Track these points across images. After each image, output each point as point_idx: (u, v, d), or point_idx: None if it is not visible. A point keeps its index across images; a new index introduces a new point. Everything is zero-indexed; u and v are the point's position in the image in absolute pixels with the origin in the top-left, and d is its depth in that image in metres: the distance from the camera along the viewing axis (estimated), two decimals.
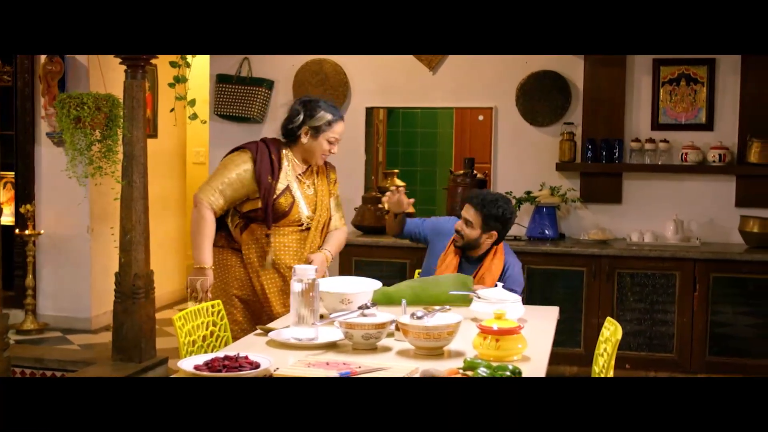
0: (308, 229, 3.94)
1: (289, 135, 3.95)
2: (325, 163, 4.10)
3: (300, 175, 3.96)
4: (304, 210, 3.91)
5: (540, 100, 6.21)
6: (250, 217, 3.91)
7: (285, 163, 3.91)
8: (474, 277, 4.05)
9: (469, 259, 4.18)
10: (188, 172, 8.28)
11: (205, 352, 3.51)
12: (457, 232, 4.13)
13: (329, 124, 3.91)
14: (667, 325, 5.64)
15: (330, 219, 4.06)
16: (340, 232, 4.15)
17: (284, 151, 3.95)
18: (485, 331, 2.94)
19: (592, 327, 5.69)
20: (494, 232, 4.09)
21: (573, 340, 5.70)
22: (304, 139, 3.91)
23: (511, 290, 3.81)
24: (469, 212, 4.10)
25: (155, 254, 6.20)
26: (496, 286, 3.70)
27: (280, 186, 3.87)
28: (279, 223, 3.88)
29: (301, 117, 3.90)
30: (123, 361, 5.63)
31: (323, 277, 3.87)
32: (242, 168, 3.87)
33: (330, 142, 3.93)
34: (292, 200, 3.88)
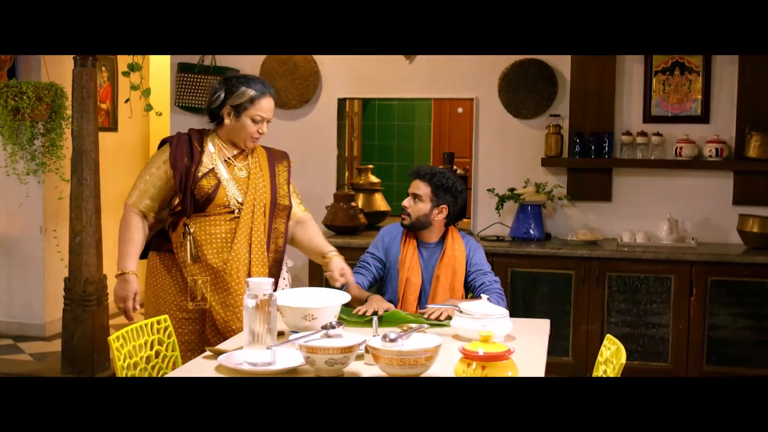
0: (239, 216, 3.50)
1: (213, 116, 3.57)
2: (272, 150, 3.72)
3: (230, 158, 3.56)
4: (234, 192, 3.49)
5: (524, 90, 5.89)
6: (178, 212, 3.51)
7: (210, 147, 3.53)
8: (440, 266, 3.82)
9: (428, 248, 3.91)
10: None
11: (149, 374, 3.10)
12: (404, 209, 3.86)
13: (252, 101, 3.49)
14: (662, 333, 5.34)
15: (279, 205, 3.63)
16: (312, 223, 3.79)
17: (208, 137, 3.58)
18: (469, 357, 2.53)
19: (581, 334, 5.40)
20: (444, 206, 3.85)
21: (561, 348, 5.38)
22: (227, 120, 3.52)
23: (490, 278, 3.81)
24: (417, 186, 3.86)
25: (113, 257, 5.80)
26: (481, 298, 3.32)
27: (203, 169, 3.48)
28: (206, 210, 3.46)
29: (222, 95, 3.50)
30: (73, 373, 5.27)
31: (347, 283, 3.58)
32: (161, 160, 3.51)
33: (255, 121, 3.51)
34: (216, 182, 3.47)
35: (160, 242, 3.58)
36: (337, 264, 3.60)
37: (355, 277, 3.83)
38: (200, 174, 3.45)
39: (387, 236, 3.95)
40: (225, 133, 3.54)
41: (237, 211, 3.49)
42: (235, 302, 3.46)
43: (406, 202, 3.86)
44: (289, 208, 3.67)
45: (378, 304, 3.53)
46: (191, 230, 3.45)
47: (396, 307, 3.73)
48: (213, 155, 3.51)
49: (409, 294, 3.80)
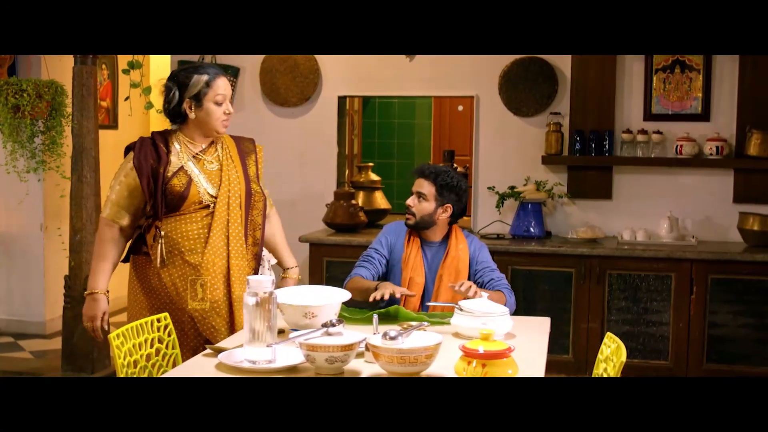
0: (213, 211, 3.43)
1: (175, 117, 3.46)
2: (240, 138, 3.65)
3: (199, 153, 3.48)
4: (206, 187, 3.42)
5: (525, 88, 5.87)
6: (152, 215, 3.43)
7: (176, 146, 3.43)
8: (443, 266, 3.79)
9: (431, 247, 3.88)
10: None
11: (150, 372, 3.09)
12: (408, 209, 3.83)
13: (208, 84, 3.41)
14: (662, 330, 5.32)
15: (254, 195, 3.55)
16: (277, 220, 3.74)
17: (173, 136, 3.47)
18: (470, 355, 2.53)
19: (581, 332, 5.39)
20: (449, 206, 3.83)
21: (561, 346, 5.37)
22: (191, 114, 3.42)
23: (498, 275, 3.80)
24: (422, 185, 3.83)
25: None
26: (482, 296, 3.32)
27: (172, 168, 3.39)
28: (181, 209, 3.39)
29: (176, 91, 3.42)
30: (74, 371, 5.25)
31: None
32: (128, 167, 3.41)
33: (219, 103, 3.43)
34: (187, 179, 3.39)
35: (138, 245, 3.49)
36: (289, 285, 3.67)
37: (360, 270, 3.80)
38: (170, 174, 3.36)
39: (391, 234, 3.93)
40: (192, 128, 3.43)
41: (211, 205, 3.41)
42: (213, 297, 3.39)
43: (410, 201, 3.83)
44: (265, 198, 3.59)
45: (392, 287, 3.51)
46: (162, 233, 3.38)
47: (400, 304, 3.71)
48: (180, 153, 3.41)
49: (411, 301, 3.77)
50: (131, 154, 3.42)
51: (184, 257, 3.39)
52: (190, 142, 3.45)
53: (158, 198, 3.35)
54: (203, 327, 3.40)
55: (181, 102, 3.40)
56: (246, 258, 3.48)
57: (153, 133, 3.50)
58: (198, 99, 3.39)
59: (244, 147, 3.61)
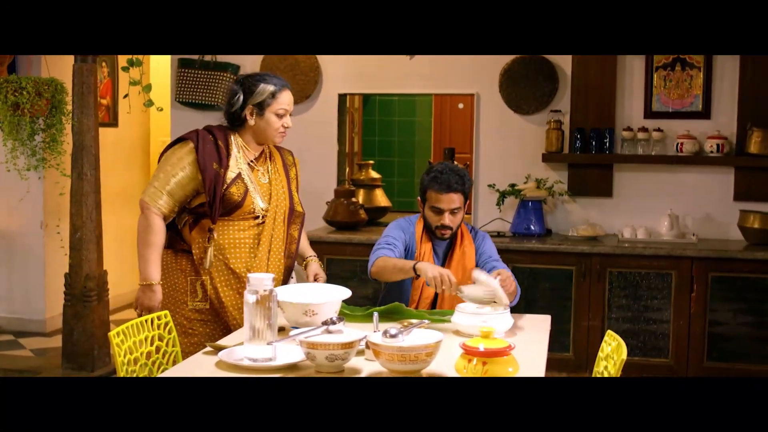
0: (263, 222, 3.49)
1: (234, 120, 3.52)
2: (282, 149, 3.69)
3: (253, 161, 3.53)
4: (258, 200, 3.46)
5: (525, 86, 5.86)
6: (200, 213, 3.46)
7: (234, 149, 3.48)
8: (450, 264, 3.78)
9: (441, 245, 3.87)
10: (152, 163, 7.82)
11: (150, 370, 3.09)
12: (444, 227, 3.74)
13: (273, 95, 3.47)
14: (663, 328, 5.31)
15: (296, 212, 3.61)
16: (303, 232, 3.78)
17: (232, 136, 3.51)
18: (470, 353, 2.53)
19: (581, 330, 5.38)
20: (468, 202, 3.87)
21: (561, 344, 5.36)
22: (251, 120, 3.48)
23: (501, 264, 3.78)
24: (453, 200, 3.74)
25: (114, 252, 5.80)
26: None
27: (231, 174, 3.43)
28: (232, 215, 3.43)
29: (241, 96, 3.47)
30: (74, 369, 5.27)
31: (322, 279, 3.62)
32: (186, 161, 3.42)
33: (280, 116, 3.49)
34: (244, 189, 3.44)
35: (173, 240, 3.52)
36: (313, 269, 3.63)
37: (384, 251, 3.73)
38: (229, 179, 3.40)
39: (406, 233, 3.85)
40: (249, 134, 3.50)
41: (261, 217, 3.47)
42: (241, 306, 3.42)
43: (448, 220, 3.73)
44: (303, 214, 3.65)
45: (440, 270, 3.39)
46: (215, 236, 3.42)
47: (408, 305, 3.69)
48: (238, 158, 3.46)
49: (426, 297, 3.75)
50: (189, 146, 3.42)
51: (228, 263, 3.44)
52: (246, 147, 3.51)
53: (217, 203, 3.38)
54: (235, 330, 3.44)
55: (243, 107, 3.45)
56: (282, 272, 3.54)
57: (211, 129, 3.51)
58: (261, 108, 3.45)
59: (287, 162, 3.67)
